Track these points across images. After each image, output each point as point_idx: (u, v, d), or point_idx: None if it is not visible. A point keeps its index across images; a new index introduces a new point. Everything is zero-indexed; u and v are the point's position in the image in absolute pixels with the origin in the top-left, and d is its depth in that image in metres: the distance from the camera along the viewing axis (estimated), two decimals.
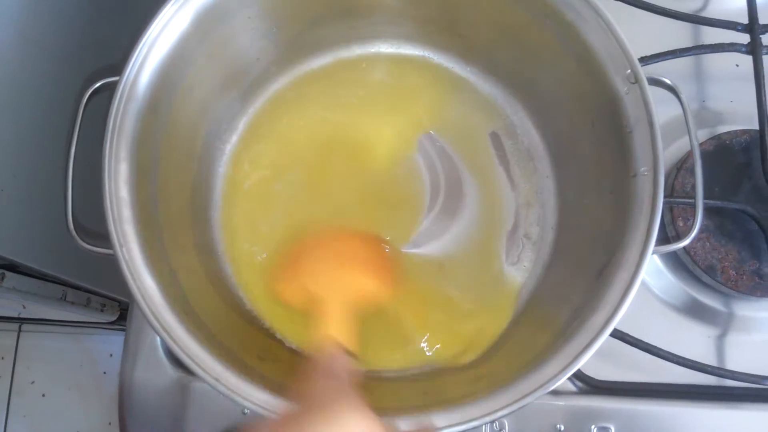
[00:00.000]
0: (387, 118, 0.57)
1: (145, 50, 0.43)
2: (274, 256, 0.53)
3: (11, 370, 1.36)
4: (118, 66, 0.42)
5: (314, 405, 0.34)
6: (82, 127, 0.45)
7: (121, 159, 0.41)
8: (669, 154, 0.57)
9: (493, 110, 0.57)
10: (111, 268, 0.88)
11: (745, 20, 0.56)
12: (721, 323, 0.55)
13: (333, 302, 0.45)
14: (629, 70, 0.42)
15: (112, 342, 1.36)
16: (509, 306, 0.51)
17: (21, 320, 1.28)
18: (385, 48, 0.58)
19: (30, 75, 0.65)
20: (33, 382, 1.35)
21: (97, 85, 0.44)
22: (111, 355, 1.37)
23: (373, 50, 0.58)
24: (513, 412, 0.37)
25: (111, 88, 0.43)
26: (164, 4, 0.43)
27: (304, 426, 0.32)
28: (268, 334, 0.50)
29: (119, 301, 1.07)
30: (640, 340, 0.50)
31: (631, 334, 0.50)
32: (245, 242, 0.53)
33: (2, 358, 1.36)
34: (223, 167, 0.55)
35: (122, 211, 0.40)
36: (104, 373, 1.36)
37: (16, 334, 1.36)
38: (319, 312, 0.45)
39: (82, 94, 0.44)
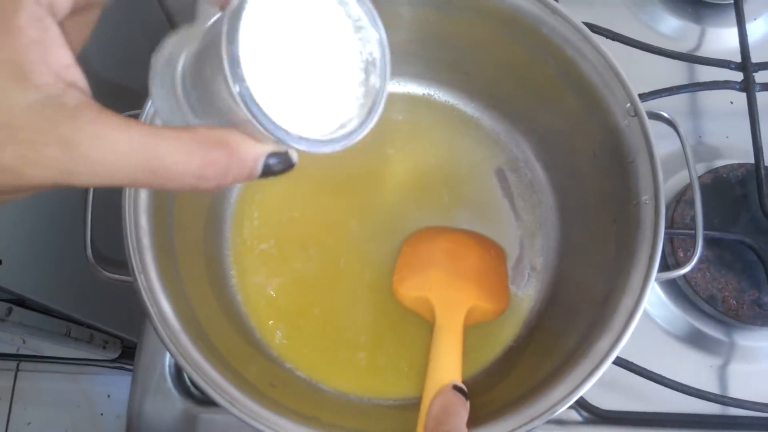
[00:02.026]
0: (394, 154, 0.58)
1: None
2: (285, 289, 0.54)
3: (8, 411, 1.34)
4: (139, 97, 0.44)
5: None
6: None
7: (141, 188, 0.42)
8: (668, 186, 0.59)
9: (497, 145, 0.58)
10: (116, 305, 0.89)
11: (738, 59, 0.59)
12: (724, 353, 0.55)
13: (454, 331, 0.44)
14: (629, 104, 0.44)
15: (111, 383, 1.35)
16: (511, 333, 0.52)
17: (19, 357, 1.27)
18: (391, 86, 0.60)
19: None
20: (29, 423, 1.33)
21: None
22: (109, 396, 1.36)
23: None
24: None
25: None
26: None
27: None
28: (278, 363, 0.51)
29: (122, 339, 1.07)
30: (644, 369, 0.50)
31: (636, 363, 0.51)
32: (255, 275, 0.54)
33: None
34: (234, 198, 0.56)
35: (141, 239, 0.41)
36: (101, 414, 1.35)
37: (13, 374, 1.35)
38: (438, 339, 0.44)
39: None
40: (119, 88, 0.65)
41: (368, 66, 0.27)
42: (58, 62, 0.22)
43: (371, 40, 0.27)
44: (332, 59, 0.26)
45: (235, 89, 0.22)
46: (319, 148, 0.24)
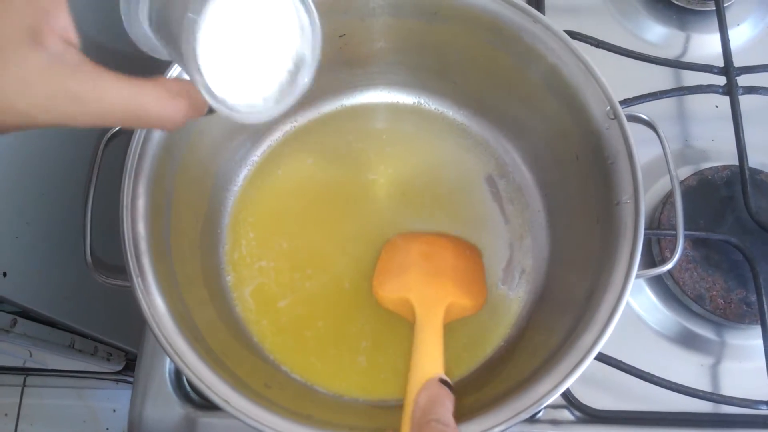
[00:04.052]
0: (385, 163, 0.60)
1: None
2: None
3: (14, 428, 1.35)
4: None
5: None
6: (99, 169, 0.48)
7: (138, 195, 0.44)
8: (655, 189, 0.60)
9: (486, 151, 0.60)
10: (119, 318, 0.90)
11: (721, 64, 0.60)
12: (714, 352, 0.56)
13: (434, 327, 0.46)
14: (608, 107, 0.46)
15: (116, 398, 1.36)
16: (502, 333, 0.53)
17: (26, 371, 1.28)
18: (381, 96, 0.62)
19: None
20: None
21: (117, 128, 0.47)
22: (114, 411, 1.36)
23: (369, 98, 0.62)
24: (508, 428, 0.39)
25: (128, 131, 0.46)
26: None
27: None
28: (274, 366, 0.52)
29: (126, 351, 1.08)
30: (636, 368, 0.51)
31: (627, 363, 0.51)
32: (251, 279, 0.55)
33: (6, 415, 1.35)
34: (230, 207, 0.57)
35: (139, 244, 0.43)
36: (107, 429, 1.36)
37: (20, 390, 1.36)
38: (419, 336, 0.45)
39: (101, 137, 0.47)
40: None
41: (298, 61, 0.34)
42: (61, 25, 0.27)
43: (308, 41, 0.33)
44: (269, 50, 0.32)
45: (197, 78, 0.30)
46: (231, 113, 0.32)
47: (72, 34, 0.27)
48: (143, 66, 0.33)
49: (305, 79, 0.34)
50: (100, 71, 0.27)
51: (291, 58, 0.33)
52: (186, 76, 0.43)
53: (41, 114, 0.26)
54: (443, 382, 0.40)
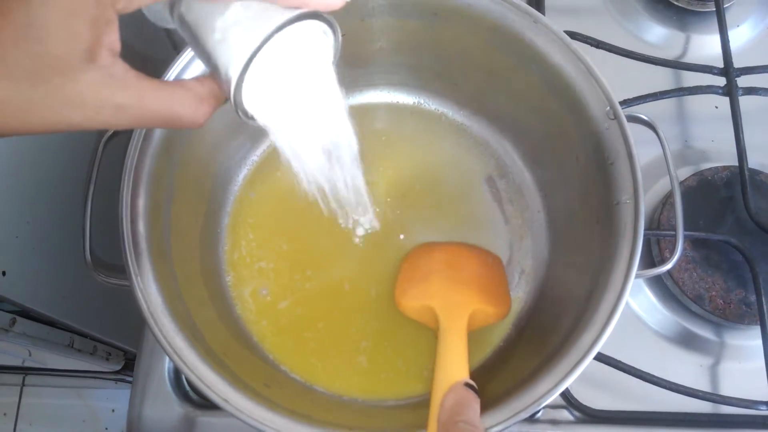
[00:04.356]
0: (385, 163, 0.60)
1: None
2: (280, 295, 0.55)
3: (13, 427, 1.35)
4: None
5: None
6: (99, 168, 0.48)
7: (138, 195, 0.44)
8: (655, 190, 0.60)
9: (486, 151, 0.60)
10: (119, 317, 0.90)
11: (721, 64, 0.60)
12: (714, 352, 0.56)
13: (459, 332, 0.46)
14: (608, 107, 0.46)
15: (115, 398, 1.35)
16: (503, 332, 0.53)
17: (25, 370, 1.28)
18: (381, 96, 0.62)
19: None
20: None
21: None
22: (113, 411, 1.36)
23: (370, 98, 0.62)
24: (506, 428, 0.39)
25: (128, 131, 0.46)
26: (178, 54, 0.47)
27: None
28: (274, 365, 0.52)
29: (125, 351, 1.08)
30: (635, 368, 0.51)
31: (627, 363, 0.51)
32: (251, 280, 0.55)
33: (5, 414, 1.35)
34: (230, 207, 0.57)
35: (138, 244, 0.43)
36: (106, 429, 1.36)
37: (18, 389, 1.35)
38: (444, 341, 0.45)
39: (101, 136, 0.47)
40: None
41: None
42: (111, 40, 0.28)
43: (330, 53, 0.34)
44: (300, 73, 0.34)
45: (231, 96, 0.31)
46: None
47: (118, 46, 0.29)
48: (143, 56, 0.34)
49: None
50: (141, 80, 0.29)
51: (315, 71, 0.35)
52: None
53: (89, 124, 0.28)
54: (470, 386, 0.40)
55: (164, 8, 0.32)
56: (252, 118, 0.33)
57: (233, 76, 0.30)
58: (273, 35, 0.29)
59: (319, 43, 0.33)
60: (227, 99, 0.32)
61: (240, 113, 0.32)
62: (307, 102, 0.35)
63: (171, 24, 0.33)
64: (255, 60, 0.29)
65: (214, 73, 0.31)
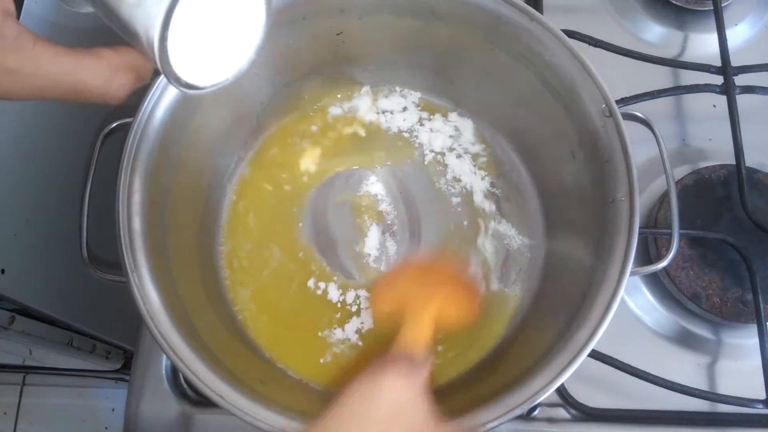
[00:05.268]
0: (381, 162, 0.60)
1: (157, 94, 0.46)
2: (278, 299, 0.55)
3: (13, 426, 1.35)
4: (132, 108, 0.46)
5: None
6: (96, 166, 0.48)
7: (134, 192, 0.44)
8: (652, 188, 0.60)
9: (483, 149, 0.60)
10: (117, 316, 0.90)
11: (718, 63, 0.60)
12: (711, 351, 0.56)
13: (424, 315, 0.47)
14: (604, 105, 0.46)
15: (115, 397, 1.35)
16: (500, 330, 0.53)
17: (25, 369, 1.29)
18: (380, 94, 0.62)
19: (46, 124, 0.68)
20: None
21: (114, 125, 0.48)
22: (113, 410, 1.36)
23: (366, 96, 0.62)
24: (501, 424, 0.39)
25: (125, 128, 0.47)
26: None
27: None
28: (270, 363, 0.52)
29: (124, 349, 1.08)
30: (632, 366, 0.51)
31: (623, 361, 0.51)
32: (248, 277, 0.56)
33: (5, 414, 1.35)
34: (227, 205, 0.57)
35: (134, 240, 0.43)
36: (106, 428, 1.36)
37: (19, 388, 1.36)
38: (410, 320, 0.47)
39: (98, 133, 0.47)
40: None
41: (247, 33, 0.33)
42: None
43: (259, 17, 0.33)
44: (224, 28, 0.31)
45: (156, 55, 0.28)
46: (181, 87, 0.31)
47: (11, 7, 0.26)
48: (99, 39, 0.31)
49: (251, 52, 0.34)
50: (39, 44, 0.27)
51: (241, 31, 0.33)
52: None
53: None
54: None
55: None
56: (187, 84, 0.31)
57: (154, 36, 0.27)
58: None
59: None
60: (155, 72, 0.29)
61: (172, 80, 0.30)
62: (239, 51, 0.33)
63: (85, 7, 0.30)
64: (175, 14, 0.27)
65: (134, 42, 0.28)
